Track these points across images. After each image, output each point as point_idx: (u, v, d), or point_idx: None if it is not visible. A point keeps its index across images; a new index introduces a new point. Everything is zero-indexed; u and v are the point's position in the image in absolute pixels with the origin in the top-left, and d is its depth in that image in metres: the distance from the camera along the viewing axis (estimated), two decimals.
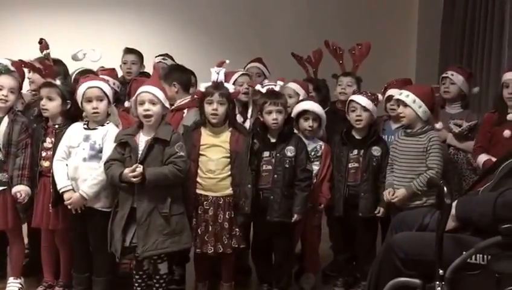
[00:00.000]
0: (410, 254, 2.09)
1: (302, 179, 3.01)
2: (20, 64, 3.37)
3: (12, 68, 3.26)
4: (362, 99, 3.13)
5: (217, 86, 2.97)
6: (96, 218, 2.89)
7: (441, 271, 1.98)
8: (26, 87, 3.54)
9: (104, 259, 2.95)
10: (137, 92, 2.82)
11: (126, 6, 5.50)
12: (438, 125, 3.14)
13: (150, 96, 2.79)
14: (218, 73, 2.98)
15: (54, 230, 3.00)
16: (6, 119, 2.96)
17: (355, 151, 3.13)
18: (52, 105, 2.96)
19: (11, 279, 3.09)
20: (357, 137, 3.17)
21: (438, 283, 1.98)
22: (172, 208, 2.76)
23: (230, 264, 3.11)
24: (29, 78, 3.46)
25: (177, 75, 3.31)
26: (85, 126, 2.93)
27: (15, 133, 2.95)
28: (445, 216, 1.98)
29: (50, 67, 3.05)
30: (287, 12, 5.58)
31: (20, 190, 2.92)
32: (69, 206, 2.85)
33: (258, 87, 3.20)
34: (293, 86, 3.43)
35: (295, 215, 2.99)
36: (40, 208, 2.96)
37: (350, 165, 3.12)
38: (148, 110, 2.77)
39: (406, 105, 2.95)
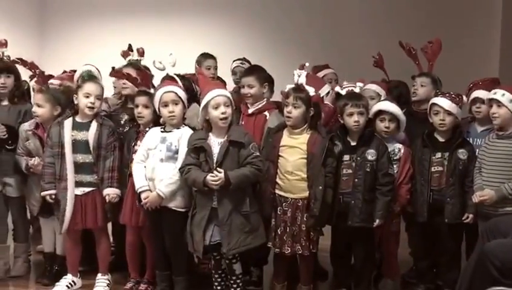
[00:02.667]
0: (508, 262, 2.01)
1: (384, 183, 2.94)
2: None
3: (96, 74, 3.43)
4: (445, 102, 3.02)
5: (295, 88, 2.97)
6: (172, 218, 2.97)
7: None
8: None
9: (181, 259, 3.04)
10: (210, 96, 2.84)
11: (200, 11, 5.64)
12: None
13: (225, 99, 2.84)
14: (299, 75, 2.99)
15: (139, 228, 3.12)
16: (94, 124, 3.11)
17: (439, 155, 3.03)
18: (147, 112, 3.10)
19: (99, 275, 3.24)
20: (441, 140, 3.06)
21: None
22: (250, 206, 2.82)
23: (310, 266, 3.10)
24: (115, 86, 3.61)
25: (267, 76, 3.34)
26: (162, 129, 3.03)
27: (104, 136, 3.10)
28: None
29: (146, 77, 3.18)
30: (360, 13, 5.50)
31: (110, 193, 3.08)
32: (145, 206, 2.94)
33: (337, 89, 3.17)
34: (374, 87, 3.37)
35: (377, 221, 2.93)
36: (128, 206, 3.09)
37: (433, 169, 3.02)
38: (225, 112, 2.82)
39: (500, 105, 2.82)
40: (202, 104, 2.88)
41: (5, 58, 3.54)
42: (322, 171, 2.87)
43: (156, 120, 3.10)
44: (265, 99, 3.31)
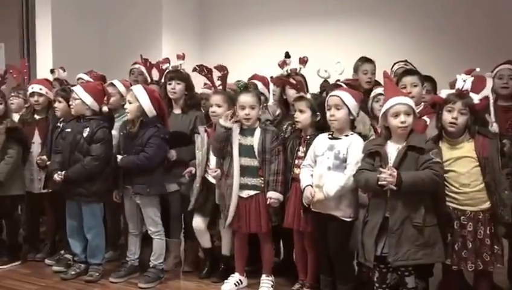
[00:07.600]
0: None
1: None
2: (263, 78, 3.69)
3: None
4: None
5: (461, 94, 2.81)
6: (338, 226, 2.98)
7: None
8: None
9: (344, 266, 3.05)
10: (390, 104, 2.79)
11: (357, 15, 5.57)
12: None
13: (406, 108, 2.76)
14: (465, 81, 2.82)
15: (304, 232, 3.18)
16: (258, 130, 3.27)
17: None
18: (303, 117, 3.17)
19: (263, 276, 3.36)
20: None
21: None
22: (425, 219, 2.70)
23: (489, 283, 2.90)
24: (274, 93, 3.74)
25: (424, 78, 3.23)
26: (330, 136, 3.05)
27: (267, 141, 3.24)
28: None
29: (301, 82, 3.27)
30: None
31: (272, 196, 3.19)
32: (306, 201, 2.99)
33: None
34: None
35: None
36: (291, 210, 3.17)
37: None
38: (404, 121, 2.75)
39: None
40: (382, 111, 2.85)
41: (181, 69, 3.84)
42: (503, 173, 2.71)
43: (314, 124, 3.15)
44: (423, 103, 3.19)
